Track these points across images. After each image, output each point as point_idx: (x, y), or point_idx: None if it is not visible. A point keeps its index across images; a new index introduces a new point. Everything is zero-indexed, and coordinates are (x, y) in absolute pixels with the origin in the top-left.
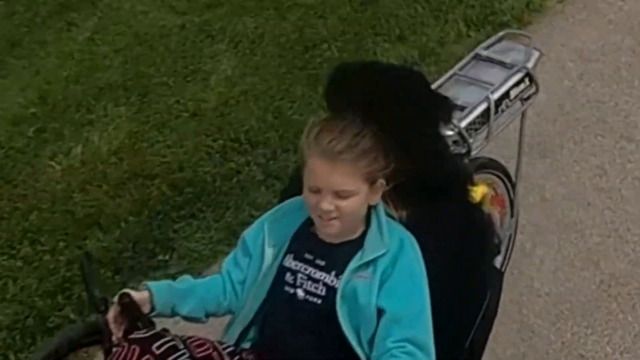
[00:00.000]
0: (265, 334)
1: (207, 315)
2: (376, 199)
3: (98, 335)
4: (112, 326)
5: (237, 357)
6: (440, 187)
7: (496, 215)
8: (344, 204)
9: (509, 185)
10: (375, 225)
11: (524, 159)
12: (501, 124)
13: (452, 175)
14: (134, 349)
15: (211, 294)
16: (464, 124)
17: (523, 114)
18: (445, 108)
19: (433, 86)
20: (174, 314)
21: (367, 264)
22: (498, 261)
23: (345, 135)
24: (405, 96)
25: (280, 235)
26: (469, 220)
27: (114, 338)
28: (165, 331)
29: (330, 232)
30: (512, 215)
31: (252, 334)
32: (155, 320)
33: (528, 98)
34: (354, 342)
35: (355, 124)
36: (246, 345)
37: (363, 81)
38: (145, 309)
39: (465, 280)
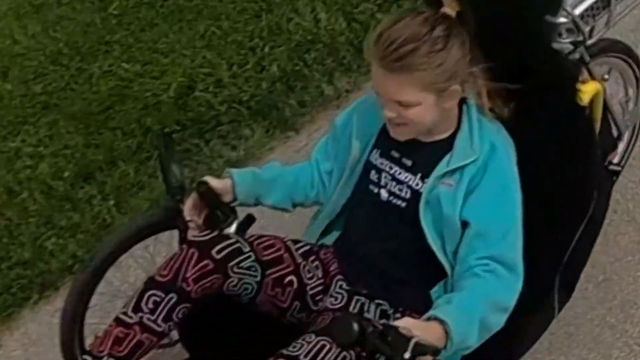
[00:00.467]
0: (347, 234)
1: (294, 206)
2: (451, 104)
3: (171, 222)
4: (188, 215)
5: (312, 257)
6: (543, 86)
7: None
8: (406, 112)
9: (636, 69)
10: (466, 127)
11: None
12: (626, 8)
13: (555, 74)
14: (192, 253)
15: (299, 184)
16: (579, 10)
17: None
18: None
19: None
20: (257, 203)
21: (452, 172)
22: (618, 153)
23: (405, 41)
24: None
25: (369, 127)
26: (571, 125)
27: (191, 226)
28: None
29: (399, 137)
30: (636, 103)
31: (336, 229)
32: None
33: None
34: (438, 252)
35: (425, 24)
36: (328, 241)
37: None
38: (227, 197)
39: (566, 183)
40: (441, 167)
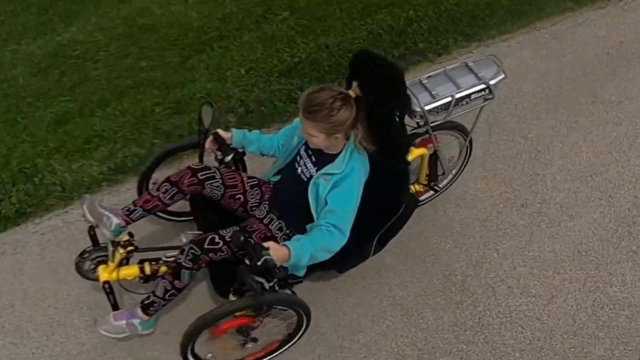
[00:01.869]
0: (279, 181)
1: (263, 155)
2: (336, 142)
3: (198, 147)
4: (207, 145)
5: (256, 187)
6: (390, 145)
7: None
8: (310, 138)
9: (463, 138)
10: (343, 153)
11: (474, 132)
12: (459, 112)
13: (398, 141)
14: (188, 172)
15: (266, 146)
16: (428, 107)
17: (481, 109)
18: (407, 104)
19: (429, 74)
20: (244, 149)
21: (328, 174)
22: (442, 182)
23: (316, 104)
24: (381, 90)
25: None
26: (400, 167)
27: (206, 148)
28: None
29: (311, 145)
30: (464, 159)
31: (276, 175)
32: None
33: (486, 99)
34: (312, 209)
35: (331, 97)
36: (273, 179)
37: (366, 68)
38: (228, 142)
39: (390, 197)
40: (324, 169)
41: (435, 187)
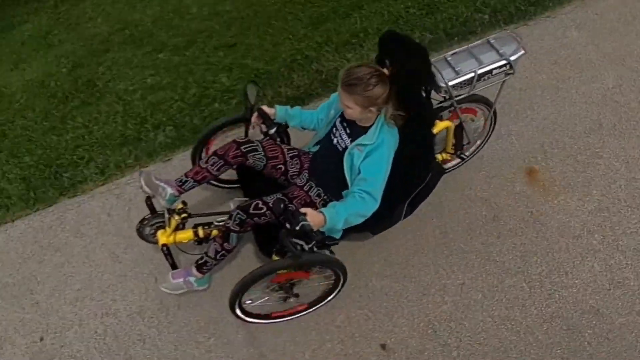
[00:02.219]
0: (317, 151)
1: (304, 129)
2: (370, 114)
3: (244, 122)
4: (253, 120)
5: (295, 158)
6: (417, 119)
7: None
8: (346, 110)
9: (487, 110)
10: (375, 126)
11: (497, 104)
12: (481, 86)
13: (425, 115)
14: (233, 145)
15: (307, 121)
16: (451, 83)
17: (503, 83)
18: (430, 80)
19: (453, 52)
20: (286, 124)
21: (361, 145)
22: (467, 151)
23: (354, 79)
24: (410, 68)
25: (339, 107)
26: (425, 139)
27: (252, 122)
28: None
29: (347, 118)
30: (489, 129)
31: (316, 146)
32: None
33: (507, 74)
34: (348, 178)
35: (368, 73)
36: (312, 150)
37: (394, 47)
38: (272, 117)
39: (417, 166)
40: (358, 140)
41: (462, 156)
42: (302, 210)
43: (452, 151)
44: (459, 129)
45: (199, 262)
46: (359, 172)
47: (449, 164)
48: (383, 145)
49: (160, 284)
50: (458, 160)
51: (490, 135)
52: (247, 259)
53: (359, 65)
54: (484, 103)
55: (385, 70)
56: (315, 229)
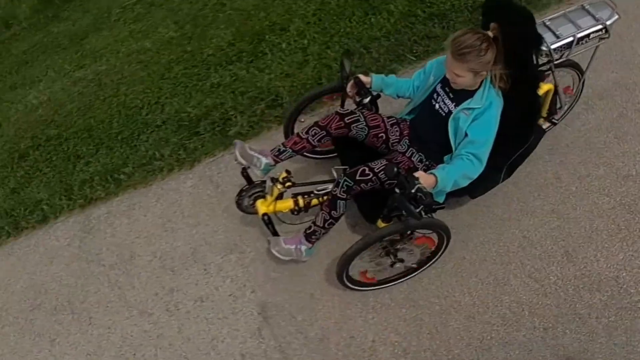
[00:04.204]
0: (416, 118)
1: (399, 97)
2: (480, 79)
3: (341, 91)
4: (348, 89)
5: (395, 126)
6: (524, 80)
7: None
8: (456, 78)
9: (578, 75)
10: (482, 90)
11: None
12: (580, 50)
13: (532, 77)
14: (336, 117)
15: (403, 88)
16: (553, 46)
17: (596, 48)
18: (539, 42)
19: (551, 16)
20: (381, 92)
21: (468, 109)
22: (558, 115)
23: (465, 46)
24: (520, 31)
25: (439, 73)
26: (532, 100)
27: (347, 91)
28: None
29: (453, 86)
30: (578, 94)
31: (413, 114)
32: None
33: (602, 39)
34: (451, 141)
35: (478, 39)
36: (408, 117)
37: (500, 10)
38: (367, 85)
39: (521, 128)
40: (465, 104)
41: (554, 120)
42: (415, 174)
43: (546, 115)
44: (554, 93)
45: (308, 231)
46: (466, 135)
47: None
48: (491, 108)
49: (273, 247)
50: (549, 124)
51: (577, 100)
52: (341, 232)
53: (465, 33)
54: (577, 68)
55: (490, 33)
56: (429, 189)
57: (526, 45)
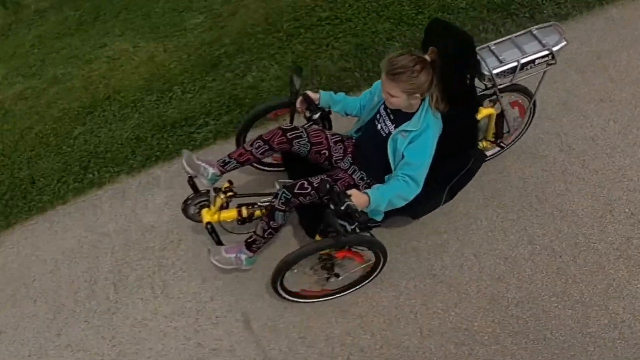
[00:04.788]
0: (360, 137)
1: (347, 114)
2: (414, 103)
3: (289, 106)
4: (298, 105)
5: (339, 143)
6: (462, 104)
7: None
8: (390, 98)
9: (527, 99)
10: (419, 112)
11: (538, 94)
12: (524, 75)
13: (470, 101)
14: (278, 132)
15: (350, 106)
16: (495, 71)
17: (544, 73)
18: (477, 67)
19: (497, 41)
20: (330, 108)
21: (406, 131)
22: (507, 140)
23: (399, 67)
24: (457, 55)
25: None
26: (471, 124)
27: (297, 107)
28: (298, 128)
29: (389, 106)
30: (528, 118)
31: (358, 132)
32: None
33: (549, 64)
34: (390, 162)
35: (412, 61)
36: (355, 135)
37: (440, 35)
38: (316, 102)
39: (461, 151)
40: (403, 126)
41: (502, 144)
42: (348, 191)
43: (493, 139)
44: (500, 117)
45: (249, 240)
46: (403, 157)
47: (489, 153)
48: (427, 131)
49: (213, 256)
50: (497, 148)
51: (529, 125)
52: (289, 241)
53: (401, 54)
54: (525, 93)
55: (427, 57)
56: (359, 209)
57: (463, 70)
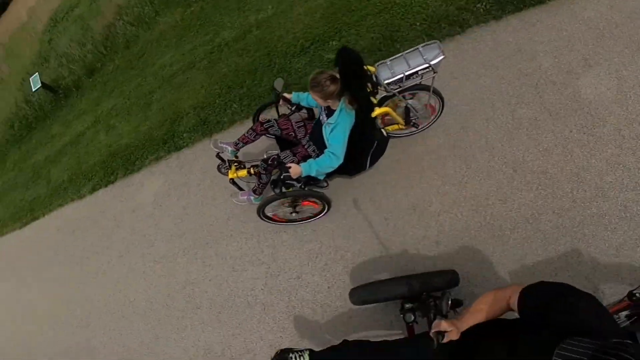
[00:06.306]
0: (315, 123)
1: (310, 106)
2: (332, 103)
3: (274, 104)
4: (280, 103)
5: (302, 127)
6: (363, 105)
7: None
8: (316, 101)
9: (428, 94)
10: (338, 109)
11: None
12: (411, 83)
13: (364, 103)
14: (259, 124)
15: (311, 102)
16: (387, 81)
17: (433, 79)
18: (365, 79)
19: (392, 57)
20: (300, 104)
21: (329, 123)
22: (416, 127)
23: (317, 83)
24: (355, 71)
25: None
26: (369, 119)
27: (280, 104)
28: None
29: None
30: (439, 107)
31: (316, 120)
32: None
33: (435, 73)
34: (325, 141)
35: (327, 79)
36: (314, 122)
37: (344, 59)
38: (290, 100)
39: (367, 135)
40: (328, 120)
41: (415, 125)
42: (288, 165)
43: (404, 123)
44: (407, 109)
45: (253, 188)
46: (327, 141)
47: (406, 131)
48: (341, 123)
49: (234, 198)
50: (413, 128)
51: (441, 112)
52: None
53: (321, 72)
54: (422, 89)
55: (335, 73)
56: (294, 176)
57: (355, 81)
